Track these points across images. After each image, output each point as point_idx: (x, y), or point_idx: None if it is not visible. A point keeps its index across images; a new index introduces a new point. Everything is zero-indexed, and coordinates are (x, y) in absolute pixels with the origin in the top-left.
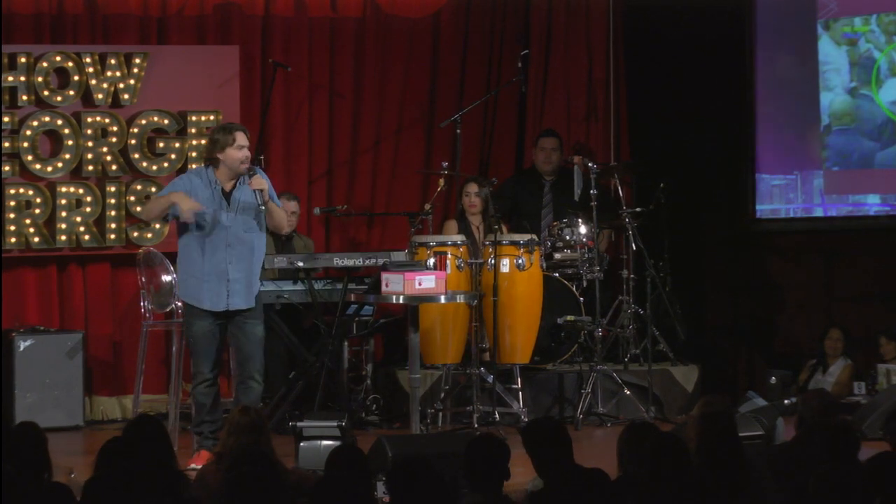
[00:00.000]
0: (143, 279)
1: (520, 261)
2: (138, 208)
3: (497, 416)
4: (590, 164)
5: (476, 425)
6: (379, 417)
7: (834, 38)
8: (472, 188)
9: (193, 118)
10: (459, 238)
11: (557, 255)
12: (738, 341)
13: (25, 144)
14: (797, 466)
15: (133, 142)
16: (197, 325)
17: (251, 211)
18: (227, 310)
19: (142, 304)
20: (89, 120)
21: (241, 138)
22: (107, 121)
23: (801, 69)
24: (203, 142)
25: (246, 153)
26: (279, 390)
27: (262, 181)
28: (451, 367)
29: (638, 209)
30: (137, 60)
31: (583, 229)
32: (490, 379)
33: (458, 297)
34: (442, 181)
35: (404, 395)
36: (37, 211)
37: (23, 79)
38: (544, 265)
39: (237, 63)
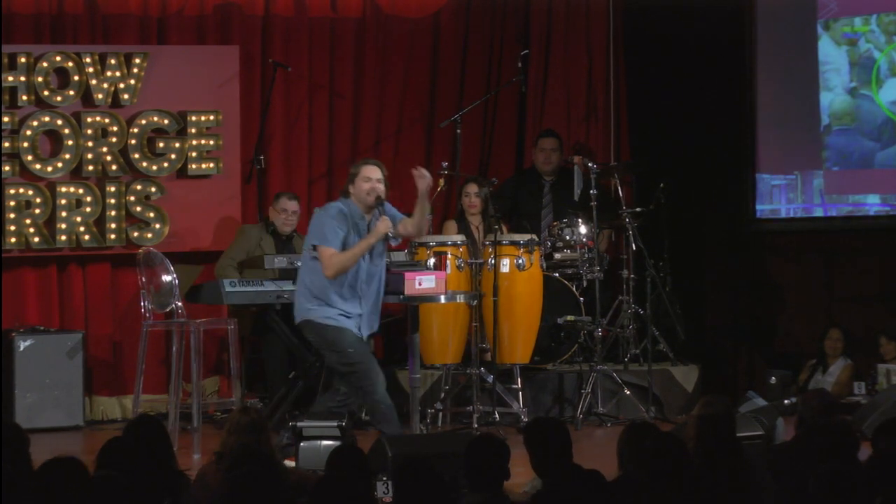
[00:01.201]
0: (143, 279)
1: (520, 261)
2: (329, 269)
3: (497, 416)
4: (590, 164)
5: (476, 425)
6: None
7: (834, 38)
8: (472, 188)
9: (193, 118)
10: (459, 238)
11: (557, 255)
12: (738, 341)
13: (25, 144)
14: (797, 466)
15: (133, 142)
16: (347, 333)
17: (381, 244)
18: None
19: (142, 304)
20: (89, 120)
21: (368, 171)
22: (107, 121)
23: (801, 69)
24: (203, 141)
25: (373, 185)
26: (279, 390)
27: (388, 223)
28: (451, 367)
29: (638, 209)
30: (137, 60)
31: (583, 229)
32: (490, 379)
33: (458, 297)
34: (442, 181)
35: (404, 395)
36: (37, 211)
37: (23, 79)
38: (544, 265)
39: (237, 63)
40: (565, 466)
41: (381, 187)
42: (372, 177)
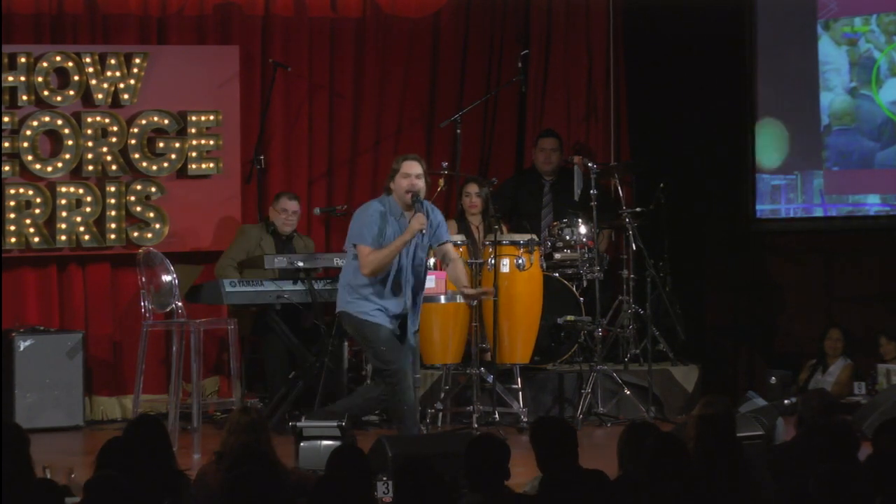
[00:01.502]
0: (143, 279)
1: (520, 261)
2: (366, 267)
3: (497, 416)
4: (590, 164)
5: (476, 425)
6: (379, 417)
7: (834, 38)
8: (472, 188)
9: (193, 118)
10: (459, 238)
11: (557, 255)
12: (738, 341)
13: (25, 144)
14: (797, 466)
15: (133, 142)
16: (383, 329)
17: (424, 241)
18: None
19: (142, 304)
20: (89, 120)
21: (408, 167)
22: (107, 121)
23: (801, 69)
24: (203, 142)
25: (411, 181)
26: (279, 390)
27: (422, 219)
28: (451, 367)
29: (638, 209)
30: (137, 60)
31: (583, 229)
32: (490, 379)
33: (458, 297)
34: (442, 181)
35: None
36: (37, 211)
37: (23, 79)
38: (544, 265)
39: (237, 63)
40: (570, 465)
41: (419, 183)
42: (411, 173)
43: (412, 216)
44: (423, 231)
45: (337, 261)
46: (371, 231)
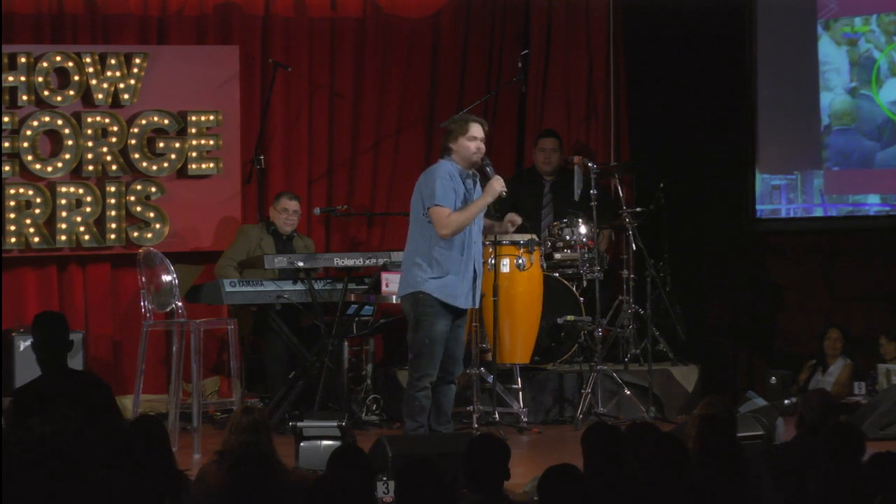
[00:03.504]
0: (143, 279)
1: (520, 261)
2: (445, 227)
3: (497, 416)
4: (590, 164)
5: (476, 425)
6: (379, 417)
7: (834, 38)
8: None
9: (193, 118)
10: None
11: (557, 255)
12: (738, 341)
13: (25, 144)
14: (797, 466)
15: (133, 142)
16: (439, 325)
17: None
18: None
19: (142, 304)
20: (89, 120)
21: (475, 129)
22: (107, 121)
23: (801, 69)
24: (203, 142)
25: (478, 144)
26: (279, 390)
27: (502, 181)
28: None
29: (638, 209)
30: (137, 60)
31: (583, 229)
32: (490, 379)
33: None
34: None
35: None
36: (37, 211)
37: (23, 79)
38: (544, 265)
39: (237, 63)
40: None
41: (483, 147)
42: (478, 136)
43: (481, 178)
44: (503, 193)
45: (337, 261)
46: (448, 193)
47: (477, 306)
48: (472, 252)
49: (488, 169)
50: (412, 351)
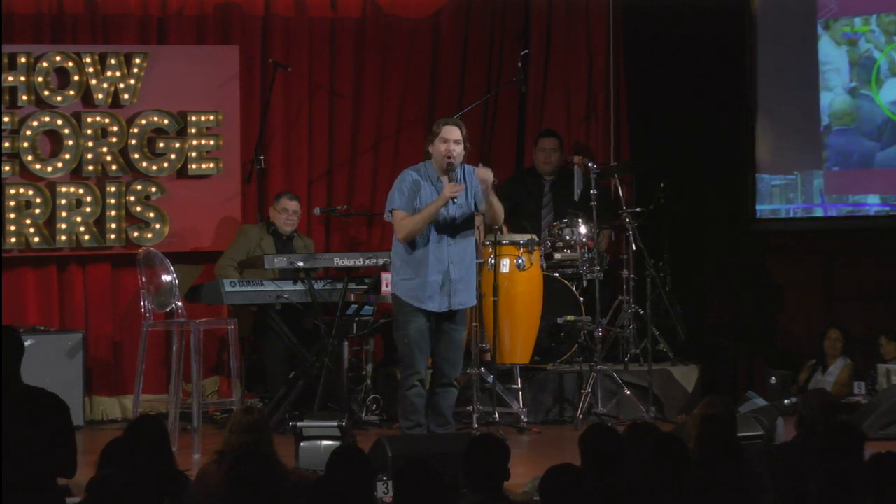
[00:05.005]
0: (143, 279)
1: (520, 261)
2: (399, 231)
3: (497, 416)
4: (590, 164)
5: (476, 425)
6: (379, 417)
7: (834, 38)
8: None
9: (193, 118)
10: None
11: (557, 255)
12: (738, 341)
13: (25, 144)
14: (797, 466)
15: (133, 142)
16: (413, 325)
17: (465, 207)
18: (450, 310)
19: (142, 304)
20: (89, 120)
21: (447, 131)
22: (107, 121)
23: (801, 69)
24: (203, 142)
25: (449, 147)
26: (279, 390)
27: (455, 187)
28: None
29: (638, 209)
30: (137, 60)
31: (583, 229)
32: (490, 379)
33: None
34: None
35: None
36: (37, 211)
37: (23, 79)
38: (544, 265)
39: (237, 63)
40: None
41: (458, 149)
42: (449, 138)
43: (454, 177)
44: (455, 199)
45: (337, 261)
46: (402, 196)
47: (455, 308)
48: (444, 255)
49: (451, 174)
50: (398, 348)
